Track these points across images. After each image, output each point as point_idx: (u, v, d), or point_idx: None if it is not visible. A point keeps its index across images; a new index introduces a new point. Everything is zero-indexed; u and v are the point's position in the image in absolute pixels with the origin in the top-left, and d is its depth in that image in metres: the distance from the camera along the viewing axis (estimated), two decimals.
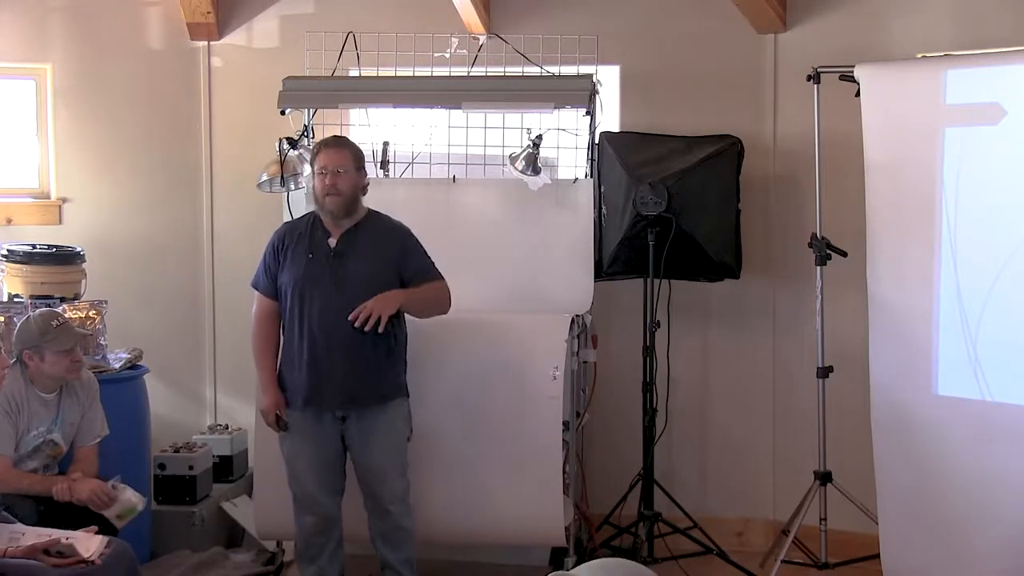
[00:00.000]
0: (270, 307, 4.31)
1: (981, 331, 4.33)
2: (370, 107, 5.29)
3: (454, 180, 5.21)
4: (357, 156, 4.29)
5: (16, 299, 5.03)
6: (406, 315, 4.31)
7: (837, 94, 4.73)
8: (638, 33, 5.48)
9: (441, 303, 4.34)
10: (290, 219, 4.53)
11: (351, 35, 5.13)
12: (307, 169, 5.01)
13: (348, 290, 4.16)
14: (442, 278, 4.33)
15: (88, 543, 3.57)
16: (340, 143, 4.35)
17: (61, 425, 4.26)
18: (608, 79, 5.33)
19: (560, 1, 5.48)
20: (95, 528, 3.70)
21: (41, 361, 4.16)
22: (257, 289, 4.35)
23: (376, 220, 4.33)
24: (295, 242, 4.27)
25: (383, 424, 4.24)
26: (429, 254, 4.34)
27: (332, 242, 4.24)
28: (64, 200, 5.72)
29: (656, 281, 4.94)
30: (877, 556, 4.62)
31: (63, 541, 3.52)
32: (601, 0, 5.47)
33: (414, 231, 4.38)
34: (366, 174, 4.32)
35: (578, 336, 4.84)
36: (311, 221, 4.31)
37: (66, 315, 4.53)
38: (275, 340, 4.32)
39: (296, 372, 4.23)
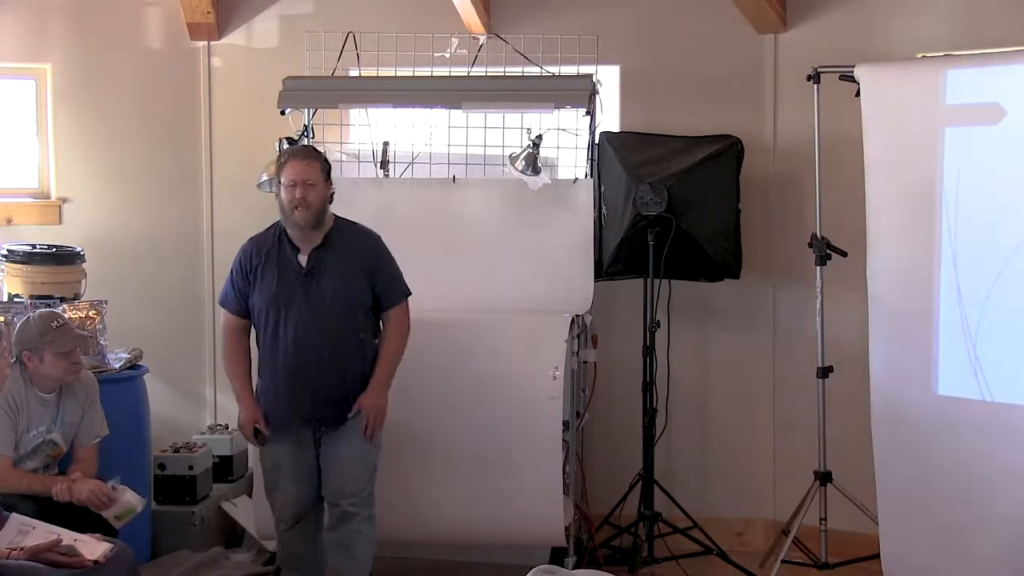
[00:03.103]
0: (238, 323, 4.22)
1: (981, 331, 4.33)
2: (370, 107, 5.29)
3: (454, 180, 5.21)
4: (325, 167, 4.18)
5: (16, 299, 5.02)
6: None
7: (837, 94, 4.73)
8: (638, 33, 5.48)
9: (403, 341, 4.23)
10: (253, 237, 4.29)
11: (351, 35, 5.13)
12: None
13: (322, 308, 4.09)
14: (406, 295, 4.25)
15: (93, 547, 3.57)
16: (309, 154, 4.21)
17: (61, 425, 4.26)
18: (608, 79, 5.33)
19: (560, 1, 5.49)
20: (99, 535, 3.70)
21: (40, 362, 4.16)
22: (225, 307, 4.24)
23: (345, 230, 4.22)
24: (263, 261, 4.15)
25: (355, 430, 4.15)
26: (398, 261, 4.26)
27: (303, 259, 4.13)
28: (64, 200, 5.72)
29: (656, 281, 4.93)
30: (877, 556, 4.62)
31: (65, 543, 3.52)
32: (601, 0, 5.47)
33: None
34: (331, 183, 4.21)
35: (578, 336, 4.84)
36: (277, 235, 4.19)
37: (66, 315, 4.53)
38: (247, 353, 4.24)
39: (273, 392, 4.17)
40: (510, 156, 5.05)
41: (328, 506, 4.25)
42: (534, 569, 2.81)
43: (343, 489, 4.18)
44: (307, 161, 4.14)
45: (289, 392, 4.13)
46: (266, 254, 4.17)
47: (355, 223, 4.28)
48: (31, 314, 4.38)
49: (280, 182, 4.13)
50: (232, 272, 4.23)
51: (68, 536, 3.55)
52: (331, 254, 4.15)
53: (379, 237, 4.27)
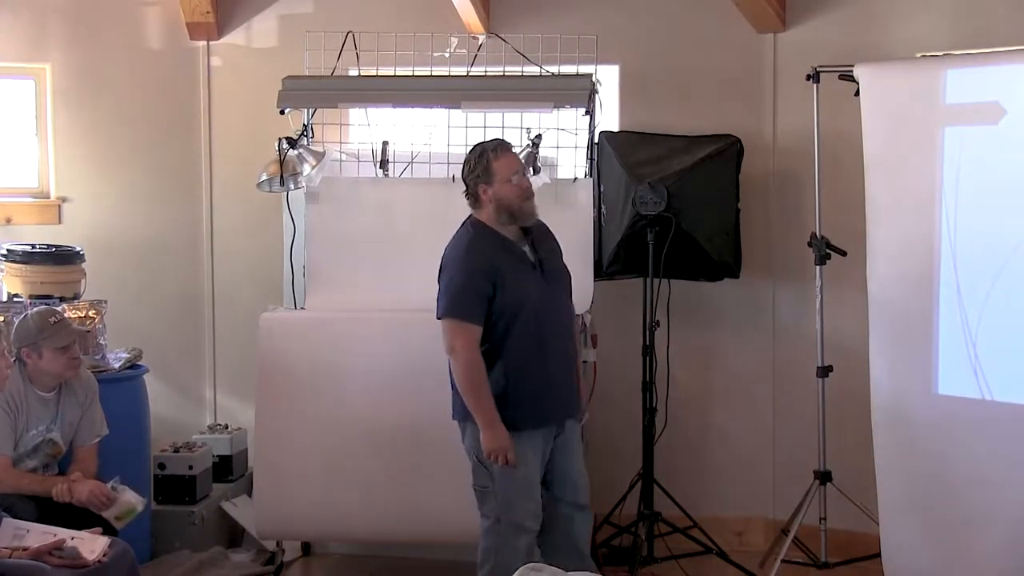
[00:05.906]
0: (479, 334, 3.92)
1: (981, 331, 4.33)
2: (370, 107, 5.28)
3: (454, 180, 5.18)
4: None
5: (16, 299, 5.03)
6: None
7: (837, 94, 4.73)
8: (638, 33, 5.48)
9: None
10: (469, 240, 4.02)
11: (351, 35, 5.13)
12: (306, 169, 5.01)
13: (561, 298, 4.11)
14: None
15: (92, 545, 3.57)
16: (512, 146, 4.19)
17: (60, 424, 4.26)
18: (608, 79, 5.32)
19: (560, 1, 5.48)
20: (99, 529, 3.70)
21: (39, 359, 4.16)
22: (472, 321, 3.90)
23: None
24: (502, 260, 3.96)
25: (576, 428, 4.22)
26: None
27: (528, 251, 4.04)
28: (64, 200, 5.73)
29: (656, 281, 4.93)
30: (877, 556, 4.61)
31: (67, 543, 3.52)
32: (601, 0, 5.47)
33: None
34: None
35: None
36: (489, 234, 4.00)
37: (65, 313, 4.53)
38: None
39: (534, 393, 3.99)
40: None
41: (566, 508, 4.13)
42: (521, 568, 2.82)
43: (580, 484, 4.15)
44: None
45: (555, 388, 4.04)
46: (500, 252, 3.99)
47: None
48: (28, 311, 4.39)
49: (494, 178, 3.99)
50: (471, 280, 3.93)
51: (65, 535, 3.56)
52: (539, 243, 4.09)
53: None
